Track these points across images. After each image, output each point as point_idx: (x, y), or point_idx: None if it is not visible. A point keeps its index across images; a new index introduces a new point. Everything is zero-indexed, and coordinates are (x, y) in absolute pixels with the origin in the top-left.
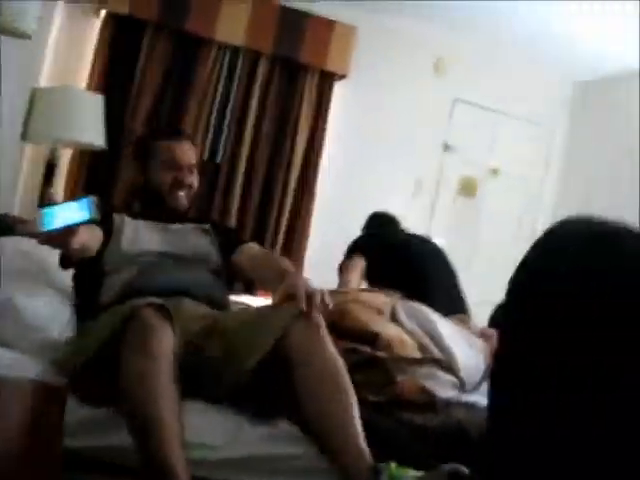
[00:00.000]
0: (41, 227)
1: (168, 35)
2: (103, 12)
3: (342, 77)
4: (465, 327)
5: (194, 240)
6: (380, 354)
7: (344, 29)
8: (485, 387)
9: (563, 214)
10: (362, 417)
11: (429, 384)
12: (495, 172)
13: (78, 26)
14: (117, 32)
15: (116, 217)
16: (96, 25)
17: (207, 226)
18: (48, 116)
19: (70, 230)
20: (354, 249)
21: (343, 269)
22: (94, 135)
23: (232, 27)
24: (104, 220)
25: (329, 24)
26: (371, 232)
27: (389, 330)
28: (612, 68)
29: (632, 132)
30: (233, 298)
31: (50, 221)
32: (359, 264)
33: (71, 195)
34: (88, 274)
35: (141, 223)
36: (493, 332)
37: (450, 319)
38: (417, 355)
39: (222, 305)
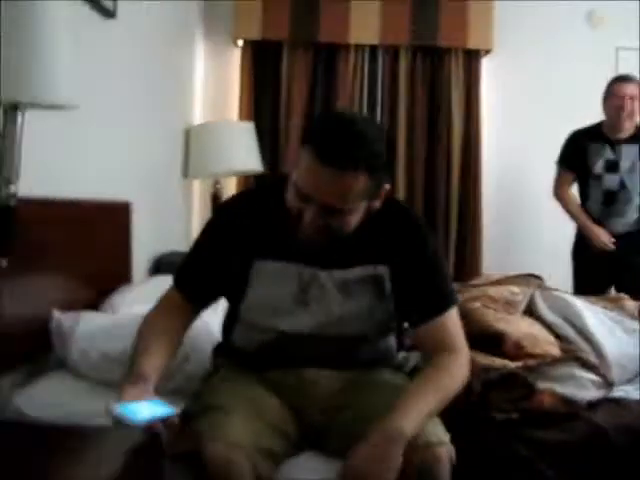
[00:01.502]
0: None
1: (304, 50)
2: (241, 41)
3: (487, 52)
4: (619, 307)
5: (357, 305)
6: (513, 365)
7: (480, 5)
8: None
9: None
10: (492, 441)
11: (569, 389)
12: None
13: (220, 59)
14: (256, 57)
15: (256, 265)
16: (236, 54)
17: (383, 270)
18: (205, 151)
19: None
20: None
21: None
22: (251, 162)
23: (365, 28)
24: (243, 268)
25: (463, 4)
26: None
27: (519, 326)
28: None
29: None
30: None
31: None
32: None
33: None
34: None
35: (287, 276)
36: None
37: (602, 300)
38: (555, 351)
39: (374, 364)
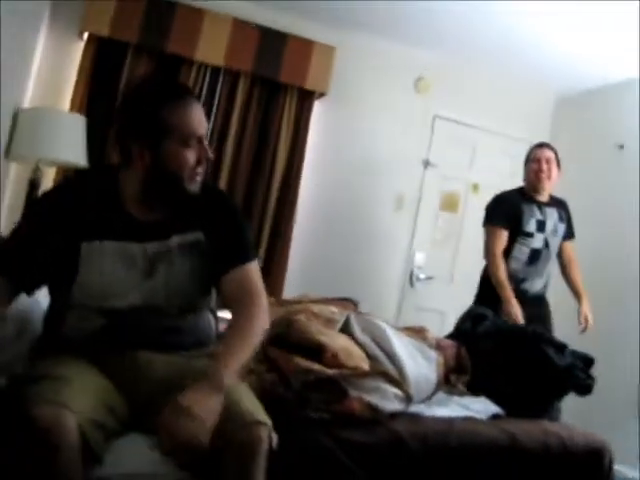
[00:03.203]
0: None
1: (149, 56)
2: (86, 34)
3: (322, 95)
4: (421, 338)
5: (181, 269)
6: (330, 372)
7: (323, 49)
8: (439, 397)
9: None
10: (304, 436)
11: (375, 398)
12: (476, 187)
13: (62, 48)
14: (99, 54)
15: (84, 247)
16: (79, 47)
17: (199, 235)
18: (31, 136)
19: None
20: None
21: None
22: (76, 154)
23: (212, 47)
24: (70, 250)
25: (308, 44)
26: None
27: (336, 341)
28: (591, 83)
29: (608, 145)
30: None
31: None
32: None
33: None
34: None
35: (115, 253)
36: (449, 344)
37: (408, 330)
38: (365, 366)
39: (198, 345)
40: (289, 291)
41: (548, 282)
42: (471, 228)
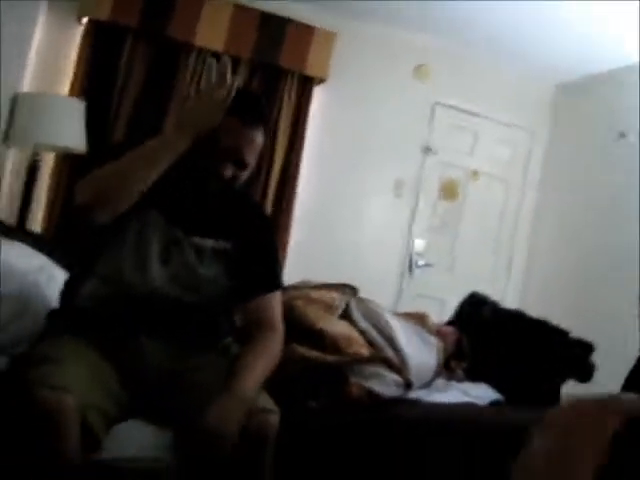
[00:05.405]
0: None
1: (149, 41)
2: (85, 19)
3: (322, 81)
4: (421, 324)
5: (206, 271)
6: (329, 359)
7: (324, 34)
8: (439, 383)
9: (543, 216)
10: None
11: (374, 384)
12: (475, 174)
13: (61, 33)
14: (99, 38)
15: (133, 224)
16: (79, 31)
17: (228, 246)
18: (30, 121)
19: None
20: None
21: None
22: (75, 140)
23: (212, 32)
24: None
25: (309, 30)
26: None
27: (336, 327)
28: (591, 69)
29: (609, 133)
30: None
31: None
32: None
33: (54, 198)
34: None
35: (156, 235)
36: (449, 330)
37: (408, 316)
38: (365, 352)
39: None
40: (287, 275)
41: None
42: (470, 216)
